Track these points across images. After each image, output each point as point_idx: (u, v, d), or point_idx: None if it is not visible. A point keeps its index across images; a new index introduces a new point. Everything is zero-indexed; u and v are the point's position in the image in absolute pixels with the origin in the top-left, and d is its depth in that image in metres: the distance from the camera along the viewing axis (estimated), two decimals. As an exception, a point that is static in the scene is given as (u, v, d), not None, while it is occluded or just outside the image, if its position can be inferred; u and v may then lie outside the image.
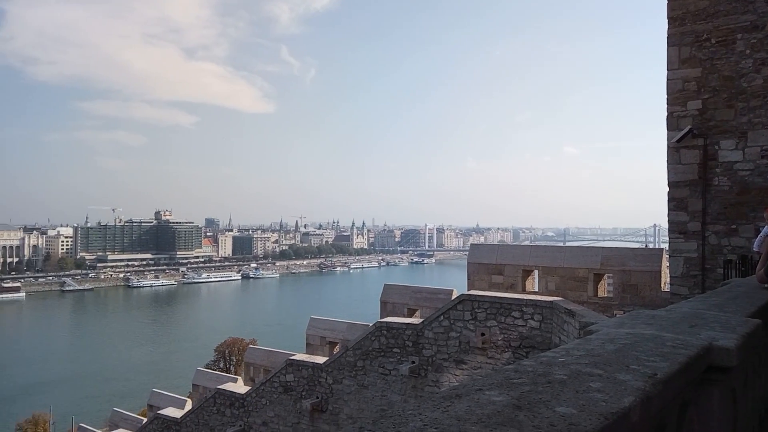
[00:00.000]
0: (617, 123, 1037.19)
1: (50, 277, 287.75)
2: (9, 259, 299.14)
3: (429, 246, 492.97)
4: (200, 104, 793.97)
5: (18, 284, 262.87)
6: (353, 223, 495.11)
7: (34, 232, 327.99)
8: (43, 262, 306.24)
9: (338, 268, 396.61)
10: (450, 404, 2.23)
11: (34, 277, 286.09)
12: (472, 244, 18.00)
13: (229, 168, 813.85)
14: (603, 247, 16.81)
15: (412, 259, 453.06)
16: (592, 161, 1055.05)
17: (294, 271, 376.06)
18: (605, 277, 16.24)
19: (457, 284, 19.98)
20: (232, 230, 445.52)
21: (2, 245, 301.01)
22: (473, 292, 14.69)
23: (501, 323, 13.95)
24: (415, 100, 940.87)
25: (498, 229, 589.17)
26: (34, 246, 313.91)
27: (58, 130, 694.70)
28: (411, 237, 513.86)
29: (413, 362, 14.83)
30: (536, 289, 16.54)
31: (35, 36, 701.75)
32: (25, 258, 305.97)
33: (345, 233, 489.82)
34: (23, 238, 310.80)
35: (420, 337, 14.89)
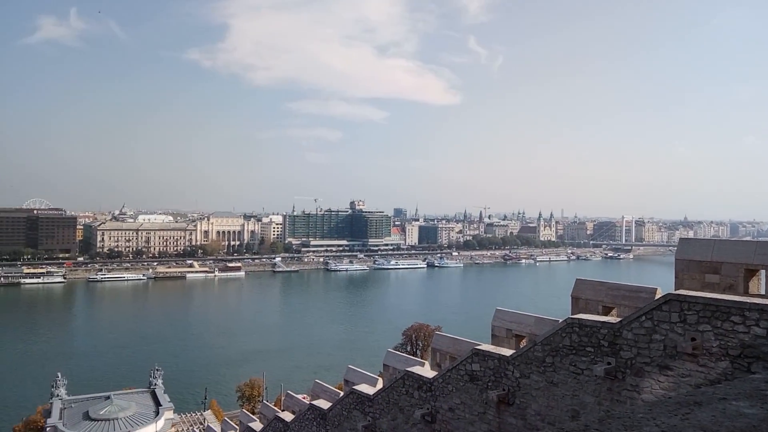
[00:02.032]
0: None
1: (264, 259, 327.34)
2: (232, 243, 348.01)
3: (626, 240, 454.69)
4: (390, 99, 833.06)
5: (239, 264, 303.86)
6: (540, 215, 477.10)
7: (252, 219, 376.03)
8: (259, 246, 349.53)
9: (523, 261, 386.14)
10: (689, 411, 1.93)
11: (252, 259, 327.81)
12: (681, 239, 16.01)
13: (416, 160, 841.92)
14: None
15: (606, 254, 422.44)
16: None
17: (477, 261, 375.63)
18: None
19: (660, 282, 18.06)
20: (418, 220, 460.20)
21: (227, 230, 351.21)
22: (682, 291, 13.11)
23: (716, 328, 12.25)
24: (608, 83, 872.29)
25: (711, 222, 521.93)
26: (252, 231, 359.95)
27: (271, 128, 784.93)
28: (605, 230, 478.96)
29: (609, 363, 13.79)
30: (762, 292, 14.22)
31: (253, 45, 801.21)
32: (245, 242, 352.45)
33: (531, 224, 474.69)
34: (243, 225, 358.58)
35: (617, 337, 13.78)
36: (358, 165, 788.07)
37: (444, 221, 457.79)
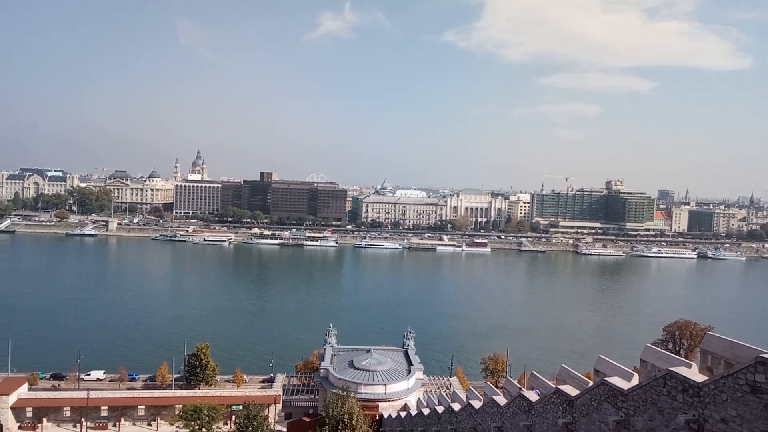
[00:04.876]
0: None
1: (510, 237, 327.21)
2: (479, 219, 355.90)
3: None
4: (659, 67, 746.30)
5: (485, 241, 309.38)
6: None
7: (499, 197, 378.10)
8: (505, 224, 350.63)
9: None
10: None
11: (498, 236, 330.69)
12: None
13: (688, 135, 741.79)
14: None
15: None
16: None
17: (765, 255, 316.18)
18: None
19: None
20: (688, 203, 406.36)
21: (475, 207, 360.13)
22: None
23: None
24: None
25: None
26: (499, 209, 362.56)
27: (523, 105, 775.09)
28: None
29: None
30: None
31: (507, 21, 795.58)
32: (491, 219, 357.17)
33: None
34: (490, 202, 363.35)
35: None
36: (616, 141, 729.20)
37: (722, 206, 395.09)
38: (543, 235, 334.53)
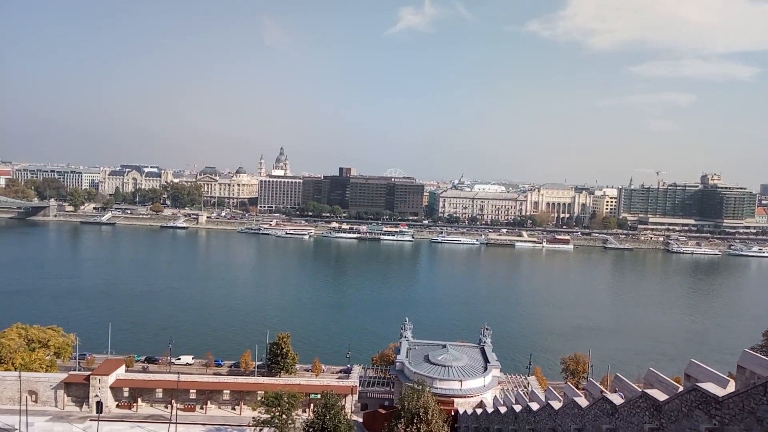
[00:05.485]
0: None
1: (594, 234, 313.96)
2: (562, 215, 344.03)
3: None
4: (763, 52, 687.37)
5: (568, 237, 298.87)
6: None
7: (583, 191, 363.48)
8: (589, 220, 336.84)
9: None
10: None
11: (581, 233, 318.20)
12: None
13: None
14: None
15: None
16: None
17: None
18: None
19: None
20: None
21: (557, 202, 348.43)
22: None
23: None
24: None
25: None
26: (583, 204, 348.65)
27: (609, 95, 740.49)
28: None
29: None
30: None
31: (595, 8, 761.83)
32: (575, 215, 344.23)
33: None
34: (574, 197, 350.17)
35: None
36: (713, 133, 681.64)
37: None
38: (630, 232, 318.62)
